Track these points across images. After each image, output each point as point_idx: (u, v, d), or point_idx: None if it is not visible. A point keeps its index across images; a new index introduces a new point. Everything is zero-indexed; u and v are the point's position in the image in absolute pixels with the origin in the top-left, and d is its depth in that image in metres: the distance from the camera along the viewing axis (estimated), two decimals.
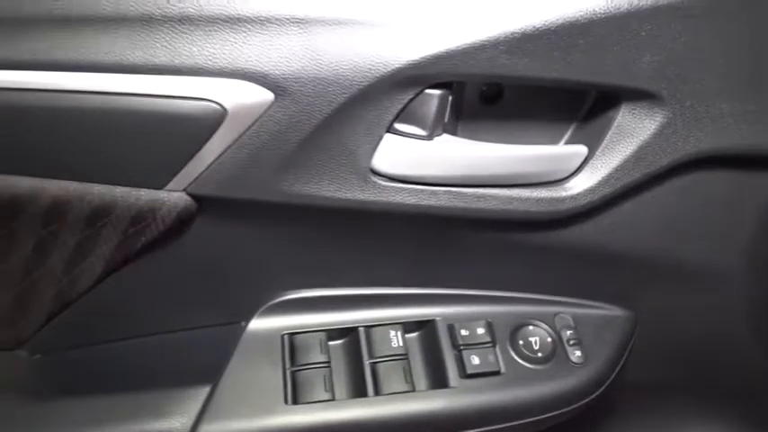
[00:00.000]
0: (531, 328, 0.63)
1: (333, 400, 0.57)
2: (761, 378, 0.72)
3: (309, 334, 0.61)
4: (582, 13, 0.48)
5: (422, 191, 0.53)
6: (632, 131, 0.53)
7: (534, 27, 0.47)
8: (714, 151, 0.54)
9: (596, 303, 0.66)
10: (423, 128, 0.51)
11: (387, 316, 0.63)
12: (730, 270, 0.63)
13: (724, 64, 0.51)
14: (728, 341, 0.69)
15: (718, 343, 0.69)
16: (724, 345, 0.70)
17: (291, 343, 0.61)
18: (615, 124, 0.53)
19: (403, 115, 0.50)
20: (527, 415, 0.61)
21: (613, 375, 0.64)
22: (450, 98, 0.51)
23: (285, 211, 0.53)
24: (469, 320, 0.62)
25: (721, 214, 0.60)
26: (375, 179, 0.52)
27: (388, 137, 0.51)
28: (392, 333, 0.61)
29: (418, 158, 0.52)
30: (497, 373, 0.60)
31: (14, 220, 0.51)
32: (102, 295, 0.57)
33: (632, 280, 0.64)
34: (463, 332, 0.61)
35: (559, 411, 0.61)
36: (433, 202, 0.53)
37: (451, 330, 0.62)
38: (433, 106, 0.50)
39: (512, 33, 0.47)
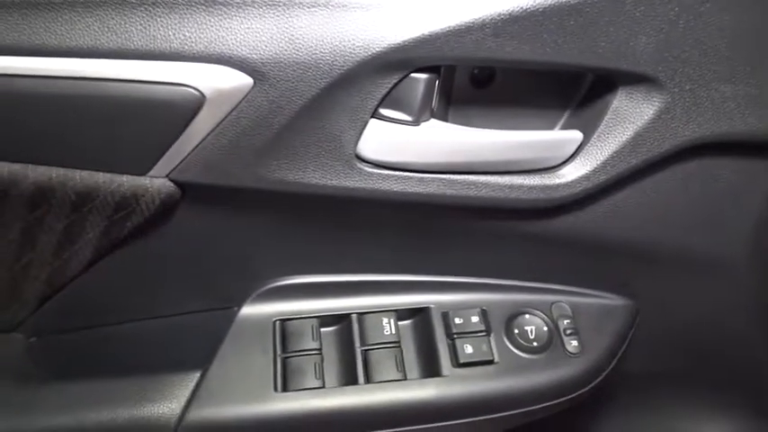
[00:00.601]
0: (526, 316, 0.62)
1: (323, 387, 0.57)
2: (763, 368, 0.70)
3: (301, 320, 0.61)
4: None
5: (409, 178, 0.51)
6: (629, 116, 0.51)
7: (522, 8, 0.45)
8: (715, 137, 0.52)
9: (595, 292, 0.64)
10: (409, 113, 0.49)
11: (380, 303, 0.62)
12: (733, 259, 0.61)
13: (725, 46, 0.49)
14: (730, 331, 0.67)
15: (720, 333, 0.68)
16: (726, 335, 0.68)
17: (283, 329, 0.60)
18: (612, 109, 0.51)
19: (388, 100, 0.49)
20: (521, 405, 0.60)
21: (612, 365, 0.63)
22: (438, 82, 0.49)
23: (271, 197, 0.52)
24: (464, 308, 0.61)
25: (723, 202, 0.57)
26: (361, 165, 0.51)
27: (373, 122, 0.49)
28: (385, 320, 0.61)
29: (405, 144, 0.50)
30: (491, 362, 0.59)
31: None
32: (93, 280, 0.57)
33: (632, 269, 0.63)
34: (457, 320, 0.60)
35: (555, 401, 0.60)
36: (420, 189, 0.52)
37: (445, 318, 0.61)
38: (419, 91, 0.48)
39: (498, 15, 0.45)
